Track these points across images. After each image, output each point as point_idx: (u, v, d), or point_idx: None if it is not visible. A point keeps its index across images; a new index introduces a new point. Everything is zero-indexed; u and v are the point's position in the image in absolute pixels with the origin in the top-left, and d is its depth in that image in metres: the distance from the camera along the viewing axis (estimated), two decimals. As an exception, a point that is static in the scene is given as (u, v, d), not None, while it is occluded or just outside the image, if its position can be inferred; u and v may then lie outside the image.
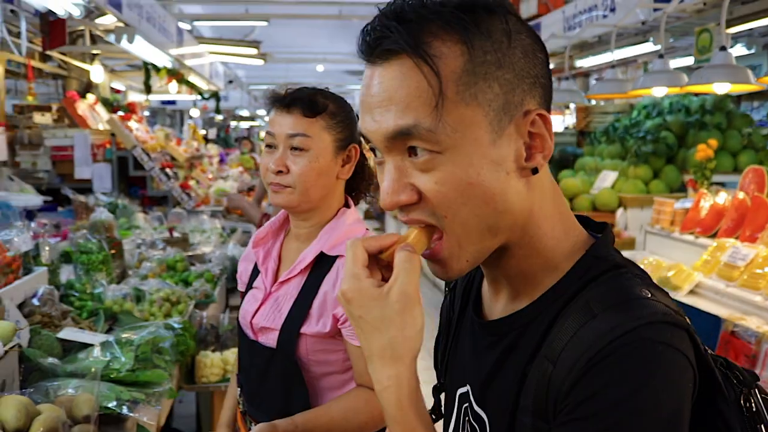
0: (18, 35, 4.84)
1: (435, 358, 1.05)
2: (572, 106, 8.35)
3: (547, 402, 0.72)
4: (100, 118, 6.31)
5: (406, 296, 0.74)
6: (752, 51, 5.40)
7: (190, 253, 4.18)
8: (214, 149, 9.59)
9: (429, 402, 0.94)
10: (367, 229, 1.57)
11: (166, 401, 2.03)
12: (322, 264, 1.50)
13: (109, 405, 1.73)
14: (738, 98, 5.07)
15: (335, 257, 1.49)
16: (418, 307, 0.75)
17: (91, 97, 6.33)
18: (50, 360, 1.87)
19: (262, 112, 25.10)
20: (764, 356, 2.73)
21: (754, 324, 2.88)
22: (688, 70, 4.44)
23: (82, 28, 5.60)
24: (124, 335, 2.04)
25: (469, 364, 0.88)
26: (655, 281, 0.78)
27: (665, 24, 3.96)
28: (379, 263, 0.79)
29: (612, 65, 5.00)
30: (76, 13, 4.31)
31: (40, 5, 4.32)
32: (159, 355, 2.05)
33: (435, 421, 1.00)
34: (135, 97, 9.10)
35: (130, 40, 4.80)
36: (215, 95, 9.29)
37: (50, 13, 4.62)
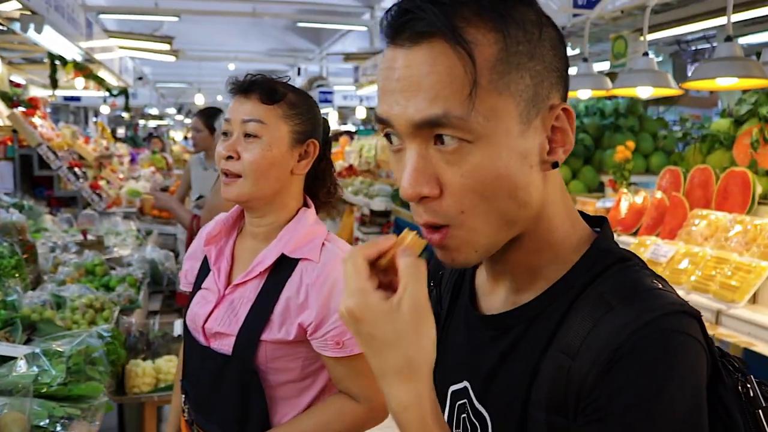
0: None
1: None
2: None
3: (567, 396, 0.71)
4: (-1, 114, 5.89)
5: (418, 306, 0.70)
6: (660, 59, 5.68)
7: (107, 257, 3.96)
8: (123, 148, 9.18)
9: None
10: (328, 231, 1.51)
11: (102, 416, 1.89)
12: (282, 267, 1.42)
13: (41, 424, 1.59)
14: (646, 103, 5.31)
15: (297, 260, 1.42)
16: (430, 316, 0.71)
17: (-12, 91, 5.90)
18: (-33, 376, 1.71)
19: (171, 110, 24.30)
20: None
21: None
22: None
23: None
24: (54, 345, 1.88)
25: (466, 360, 0.86)
26: None
27: (584, 30, 4.10)
28: (376, 269, 0.74)
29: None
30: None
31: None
32: (92, 366, 1.90)
33: None
34: (36, 92, 8.57)
35: (38, 30, 4.47)
36: (124, 92, 8.87)
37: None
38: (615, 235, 3.94)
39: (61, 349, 1.87)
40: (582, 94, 4.04)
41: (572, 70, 5.61)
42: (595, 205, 4.15)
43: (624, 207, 3.95)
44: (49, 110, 8.75)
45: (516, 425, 0.76)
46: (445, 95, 0.68)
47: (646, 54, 3.13)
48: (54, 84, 6.37)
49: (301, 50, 16.97)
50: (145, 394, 2.41)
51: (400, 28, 0.71)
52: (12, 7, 4.58)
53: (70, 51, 6.02)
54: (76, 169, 6.27)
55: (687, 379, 0.67)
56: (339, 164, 9.37)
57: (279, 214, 1.47)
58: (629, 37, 4.49)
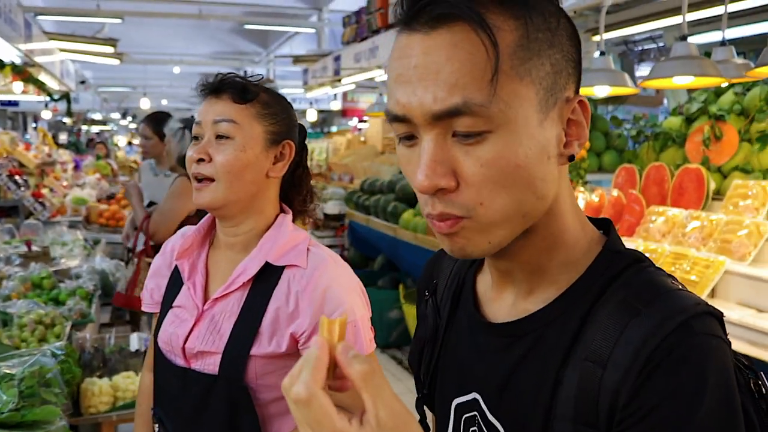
0: None
1: (416, 368, 0.96)
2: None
3: (598, 407, 0.68)
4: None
5: (395, 413, 0.61)
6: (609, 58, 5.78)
7: (54, 269, 3.79)
8: (66, 155, 8.85)
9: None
10: (308, 236, 1.43)
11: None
12: (266, 276, 1.34)
13: (-7, 453, 1.48)
14: (595, 102, 5.40)
15: (282, 268, 1.34)
16: (411, 417, 0.63)
17: None
18: None
19: (115, 115, 23.65)
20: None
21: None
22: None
23: None
24: (3, 367, 1.75)
25: (475, 371, 0.81)
26: None
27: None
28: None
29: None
30: None
31: None
32: (47, 388, 1.79)
33: None
34: (-30, 97, 8.20)
35: (-27, 32, 4.26)
36: (66, 97, 8.57)
37: None
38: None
39: (11, 372, 1.75)
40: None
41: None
42: (552, 204, 4.17)
43: (581, 205, 3.99)
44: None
45: None
46: (465, 83, 0.65)
47: (603, 53, 3.16)
48: (-10, 88, 6.09)
49: (247, 53, 16.76)
50: (103, 414, 2.29)
51: (417, 12, 0.67)
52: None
53: (8, 53, 5.76)
54: (17, 177, 6.02)
55: (723, 384, 0.65)
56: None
57: (256, 220, 1.39)
58: (582, 37, 4.54)
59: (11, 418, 1.61)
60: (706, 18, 3.87)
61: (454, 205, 0.69)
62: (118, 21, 9.99)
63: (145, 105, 17.41)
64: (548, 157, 0.70)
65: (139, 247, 3.40)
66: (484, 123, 0.66)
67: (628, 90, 3.08)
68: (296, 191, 1.50)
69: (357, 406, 0.61)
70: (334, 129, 15.53)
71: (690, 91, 4.37)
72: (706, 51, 3.40)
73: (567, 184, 0.77)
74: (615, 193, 3.82)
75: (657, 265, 0.79)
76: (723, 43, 3.17)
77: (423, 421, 0.93)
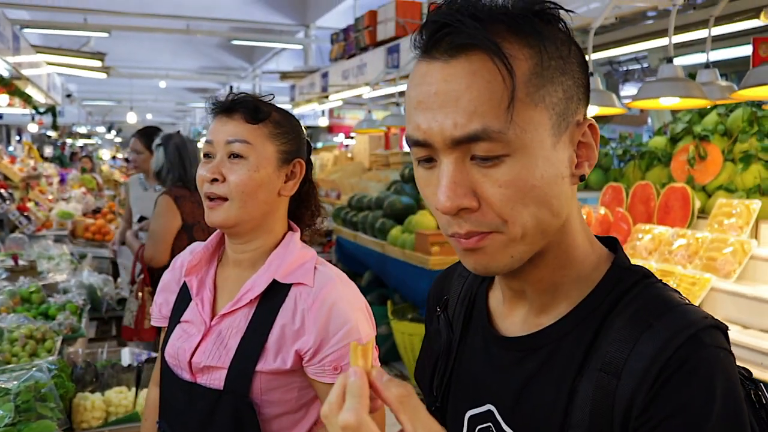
0: None
1: (428, 382, 0.98)
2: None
3: (613, 416, 0.71)
4: None
5: None
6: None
7: (42, 283, 3.76)
8: (51, 168, 8.79)
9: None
10: (315, 254, 1.45)
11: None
12: (273, 294, 1.35)
13: (-9, 467, 1.47)
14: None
15: (289, 286, 1.35)
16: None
17: None
18: None
19: (101, 129, 23.49)
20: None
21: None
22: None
23: None
24: (-1, 382, 1.75)
25: (488, 383, 0.84)
26: None
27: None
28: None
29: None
30: None
31: None
32: (42, 403, 1.78)
33: None
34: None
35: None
36: (52, 110, 8.52)
37: None
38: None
39: (6, 386, 1.74)
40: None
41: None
42: (540, 222, 4.22)
43: (569, 223, 4.04)
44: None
45: None
46: (484, 111, 0.69)
47: (591, 74, 3.22)
48: (-23, 101, 6.05)
49: (233, 68, 16.79)
50: (95, 429, 2.27)
51: (437, 42, 0.70)
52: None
53: (-4, 67, 5.75)
54: (2, 191, 5.97)
55: (730, 394, 0.69)
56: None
57: (266, 238, 1.40)
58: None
59: (8, 432, 1.60)
60: (690, 41, 3.96)
61: (481, 224, 0.72)
62: (105, 35, 9.97)
63: (132, 119, 17.36)
64: (562, 177, 0.74)
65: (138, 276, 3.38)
66: (501, 147, 0.69)
67: (615, 110, 3.14)
68: (305, 206, 1.51)
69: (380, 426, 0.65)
70: (319, 145, 15.57)
71: (674, 111, 4.45)
72: (690, 73, 3.48)
73: (577, 204, 0.81)
74: (602, 211, 3.88)
75: None
76: (707, 65, 3.24)
77: None
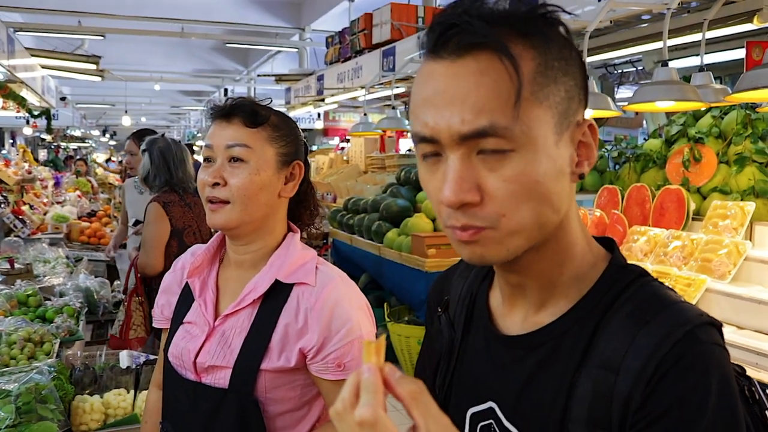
0: None
1: (429, 382, 0.99)
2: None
3: (611, 411, 0.73)
4: None
5: (444, 428, 0.67)
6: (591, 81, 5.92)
7: (38, 286, 3.75)
8: (45, 172, 8.77)
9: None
10: (316, 254, 1.47)
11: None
12: (276, 294, 1.37)
13: (-8, 469, 1.47)
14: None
15: (291, 286, 1.37)
16: (457, 430, 0.70)
17: None
18: None
19: (95, 132, 23.42)
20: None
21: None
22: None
23: None
24: (-1, 384, 1.75)
25: (491, 381, 0.86)
26: None
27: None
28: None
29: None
30: None
31: None
32: (43, 405, 1.78)
33: None
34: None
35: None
36: (47, 113, 8.51)
37: None
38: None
39: (7, 388, 1.74)
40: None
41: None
42: (536, 224, 4.23)
43: (564, 225, 4.06)
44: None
45: None
46: (492, 107, 0.70)
47: (587, 77, 3.24)
48: (-28, 105, 6.04)
49: (228, 71, 16.79)
50: (94, 431, 2.27)
51: (446, 41, 0.72)
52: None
53: (-9, 70, 5.74)
54: (-3, 194, 5.96)
55: (726, 390, 0.70)
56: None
57: (267, 239, 1.42)
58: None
59: (9, 434, 1.61)
60: (684, 44, 4.00)
61: (476, 218, 0.73)
62: (100, 38, 9.97)
63: (126, 122, 17.33)
64: (563, 174, 0.76)
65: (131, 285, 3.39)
66: (507, 143, 0.71)
67: (610, 113, 3.16)
68: (303, 206, 1.53)
69: None
70: (314, 148, 15.58)
71: (669, 114, 4.48)
72: (685, 76, 3.51)
73: (575, 203, 0.82)
74: (598, 213, 3.90)
75: None
76: (701, 68, 3.27)
77: None
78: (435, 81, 0.73)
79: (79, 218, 6.80)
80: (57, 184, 8.68)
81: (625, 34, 4.02)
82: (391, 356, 5.18)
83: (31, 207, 6.60)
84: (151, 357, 2.68)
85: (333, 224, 6.48)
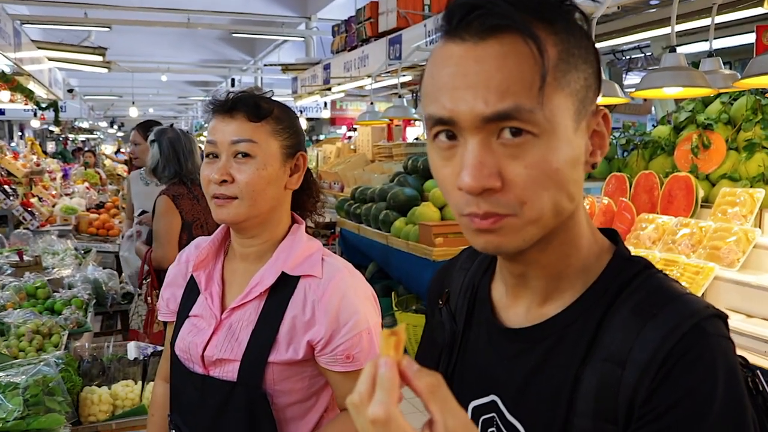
0: None
1: None
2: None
3: (617, 405, 0.72)
4: None
5: (461, 422, 0.65)
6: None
7: (47, 278, 3.77)
8: (54, 164, 8.80)
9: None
10: (321, 245, 1.46)
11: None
12: (283, 286, 1.36)
13: (0, 461, 1.48)
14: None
15: (298, 278, 1.36)
16: (474, 425, 0.68)
17: None
18: None
19: (103, 124, 23.49)
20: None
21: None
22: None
23: None
24: (6, 376, 1.76)
25: (494, 374, 0.85)
26: None
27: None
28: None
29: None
30: None
31: None
32: (51, 397, 1.79)
33: None
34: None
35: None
36: (54, 105, 8.53)
37: None
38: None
39: (16, 380, 1.75)
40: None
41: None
42: (543, 212, 4.21)
43: (572, 213, 4.03)
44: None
45: None
46: (516, 90, 0.69)
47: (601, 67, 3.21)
48: (-20, 98, 6.06)
49: (235, 61, 16.76)
50: (102, 422, 2.29)
51: (468, 23, 0.71)
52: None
53: (-2, 62, 5.76)
54: (6, 187, 5.99)
55: (732, 382, 0.70)
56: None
57: (272, 231, 1.42)
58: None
59: (17, 426, 1.62)
60: (693, 29, 3.95)
61: (499, 205, 0.72)
62: (107, 29, 9.96)
63: (134, 113, 17.36)
64: (579, 163, 0.75)
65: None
66: (531, 128, 0.70)
67: (618, 100, 3.14)
68: (306, 194, 1.53)
69: None
70: (323, 137, 15.56)
71: (678, 100, 4.44)
72: (694, 61, 3.47)
73: (582, 193, 0.81)
74: (606, 201, 3.88)
75: None
76: (710, 54, 3.24)
77: None
78: (455, 63, 0.71)
79: (88, 210, 6.83)
80: (65, 176, 8.71)
81: (632, 20, 3.98)
82: (399, 345, 5.18)
83: (39, 199, 6.64)
84: (159, 348, 2.69)
85: (340, 213, 6.47)
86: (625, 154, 4.54)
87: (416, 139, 9.28)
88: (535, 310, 0.83)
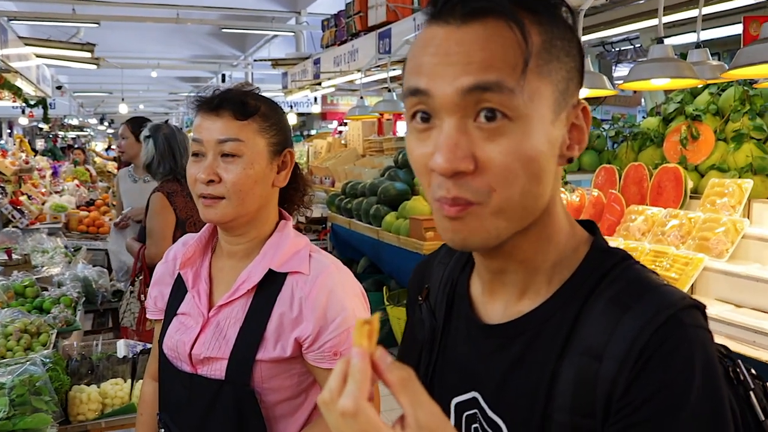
0: None
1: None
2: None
3: (595, 399, 0.72)
4: None
5: (433, 415, 0.63)
6: (587, 60, 5.87)
7: (36, 276, 3.75)
8: (43, 161, 8.75)
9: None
10: (309, 241, 1.45)
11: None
12: (270, 283, 1.36)
13: (-14, 462, 1.47)
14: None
15: (285, 275, 1.36)
16: (447, 418, 0.66)
17: None
18: None
19: (93, 120, 23.36)
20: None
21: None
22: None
23: None
24: (-7, 377, 1.75)
25: (474, 371, 0.84)
26: None
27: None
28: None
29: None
30: None
31: None
32: (37, 396, 1.78)
33: None
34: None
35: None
36: (43, 102, 8.47)
37: None
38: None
39: (1, 380, 1.74)
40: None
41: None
42: (534, 205, 4.22)
43: (562, 205, 4.04)
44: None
45: (536, 430, 0.76)
46: (500, 67, 0.68)
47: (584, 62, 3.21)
48: (-34, 95, 6.01)
49: (225, 56, 16.68)
50: (91, 421, 2.27)
51: (453, 6, 0.70)
52: None
53: (-16, 60, 5.71)
54: (-6, 185, 5.95)
55: (709, 372, 0.70)
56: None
57: (260, 229, 1.41)
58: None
59: (2, 426, 1.60)
60: (681, 20, 3.95)
61: (468, 189, 0.71)
62: (95, 26, 9.89)
63: (124, 110, 17.27)
64: (555, 155, 0.74)
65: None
66: (508, 110, 0.69)
67: (606, 92, 3.13)
68: (294, 189, 1.51)
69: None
70: (313, 132, 15.52)
71: (667, 91, 4.44)
72: (682, 53, 3.47)
73: (559, 188, 0.81)
74: (595, 192, 3.88)
75: (638, 261, 0.82)
76: (698, 45, 3.24)
77: None
78: (438, 44, 0.70)
79: (78, 207, 6.79)
80: (55, 174, 8.66)
81: (621, 12, 3.98)
82: (390, 340, 5.19)
83: (29, 197, 6.60)
84: (148, 346, 2.68)
85: (331, 208, 6.46)
86: (615, 145, 4.55)
87: (407, 133, 9.25)
88: (513, 306, 0.82)
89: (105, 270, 4.42)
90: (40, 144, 12.30)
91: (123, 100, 17.63)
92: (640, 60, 3.12)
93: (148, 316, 1.58)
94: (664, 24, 2.95)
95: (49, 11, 10.06)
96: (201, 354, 1.36)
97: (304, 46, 12.01)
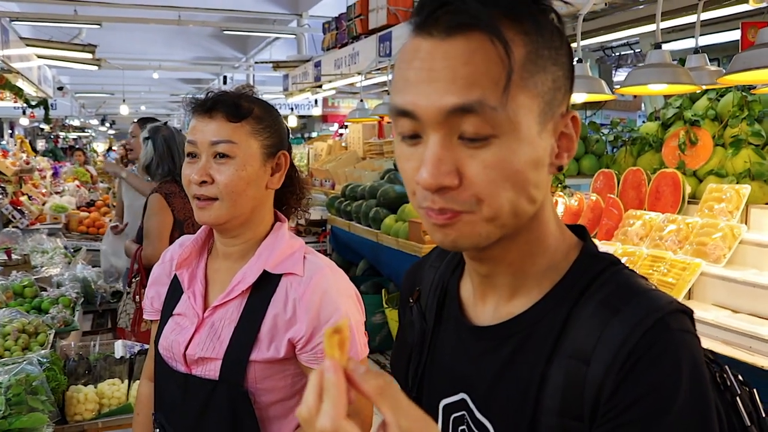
0: None
1: (403, 374, 0.98)
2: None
3: (583, 401, 0.72)
4: None
5: (415, 420, 0.62)
6: (587, 65, 5.88)
7: (35, 277, 3.76)
8: (44, 162, 8.76)
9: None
10: (304, 243, 1.46)
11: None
12: (264, 284, 1.37)
13: (-18, 461, 1.48)
14: (573, 107, 5.46)
15: (279, 276, 1.37)
16: (430, 420, 0.64)
17: None
18: None
19: (94, 121, 23.39)
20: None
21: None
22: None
23: None
24: (-11, 376, 1.75)
25: (463, 373, 0.85)
26: None
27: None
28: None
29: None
30: None
31: None
32: (34, 396, 1.79)
33: None
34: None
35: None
36: (44, 103, 8.48)
37: None
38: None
39: (-2, 380, 1.75)
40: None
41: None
42: (532, 209, 4.22)
43: (560, 210, 4.05)
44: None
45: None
46: (482, 84, 0.68)
47: (579, 61, 3.23)
48: (-32, 96, 6.02)
49: (226, 59, 16.71)
50: (88, 421, 2.28)
51: (436, 19, 0.70)
52: None
53: (-15, 60, 5.72)
54: (-5, 185, 5.96)
55: (696, 377, 0.70)
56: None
57: (255, 230, 1.42)
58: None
59: (-1, 426, 1.61)
60: (680, 25, 3.96)
61: (455, 202, 0.72)
62: (97, 27, 9.91)
63: (125, 111, 17.30)
64: (542, 165, 0.74)
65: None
66: (491, 128, 0.69)
67: (604, 96, 3.14)
68: (290, 191, 1.52)
69: (360, 412, 0.63)
70: (314, 134, 15.53)
71: (666, 96, 4.45)
72: (681, 58, 3.48)
73: (550, 193, 0.81)
74: (594, 197, 3.89)
75: (635, 267, 0.83)
76: (696, 50, 3.24)
77: None
78: (422, 58, 0.70)
79: (78, 208, 6.81)
80: (55, 174, 8.68)
81: (620, 17, 3.98)
82: (389, 343, 5.19)
83: (29, 197, 6.61)
84: (145, 346, 2.69)
85: (331, 211, 6.47)
86: (614, 150, 4.56)
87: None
88: (503, 308, 0.83)
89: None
90: (41, 145, 12.31)
91: (124, 101, 17.66)
92: (638, 65, 3.13)
93: (144, 316, 1.59)
94: (663, 29, 2.96)
95: (51, 12, 10.07)
96: (195, 354, 1.37)
97: (306, 49, 12.03)
